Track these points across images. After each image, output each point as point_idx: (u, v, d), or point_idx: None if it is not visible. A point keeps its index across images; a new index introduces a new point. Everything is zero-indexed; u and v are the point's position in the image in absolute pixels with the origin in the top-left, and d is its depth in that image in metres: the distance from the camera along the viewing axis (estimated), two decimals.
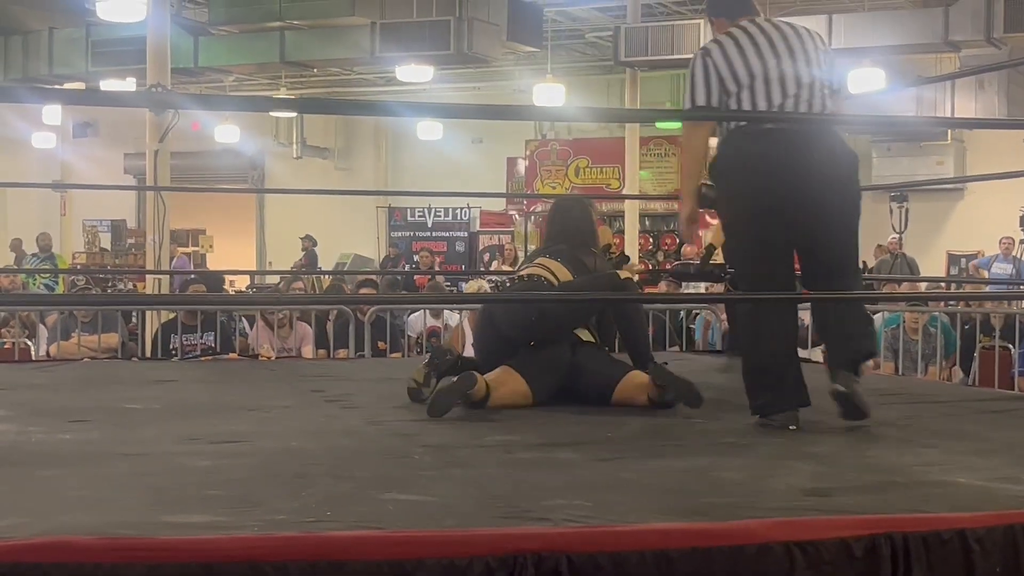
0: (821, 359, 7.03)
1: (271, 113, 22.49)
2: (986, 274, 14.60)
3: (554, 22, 18.07)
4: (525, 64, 19.83)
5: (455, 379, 4.28)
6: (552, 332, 4.60)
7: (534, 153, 20.31)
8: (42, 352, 9.04)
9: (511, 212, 20.49)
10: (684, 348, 8.88)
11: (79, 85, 17.04)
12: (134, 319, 9.97)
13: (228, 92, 20.95)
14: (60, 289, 14.92)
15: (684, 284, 11.83)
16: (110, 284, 14.82)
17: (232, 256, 22.88)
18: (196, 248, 22.90)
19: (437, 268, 18.94)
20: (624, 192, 17.88)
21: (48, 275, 15.39)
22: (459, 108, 6.58)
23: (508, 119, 19.13)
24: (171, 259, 12.56)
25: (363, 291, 10.29)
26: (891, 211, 15.23)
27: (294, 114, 22.69)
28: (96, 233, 21.98)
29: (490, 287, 11.36)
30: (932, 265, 17.89)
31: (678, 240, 18.75)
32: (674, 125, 17.93)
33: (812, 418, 4.05)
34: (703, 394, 4.32)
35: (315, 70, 19.13)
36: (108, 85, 16.53)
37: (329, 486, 2.91)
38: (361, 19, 15.12)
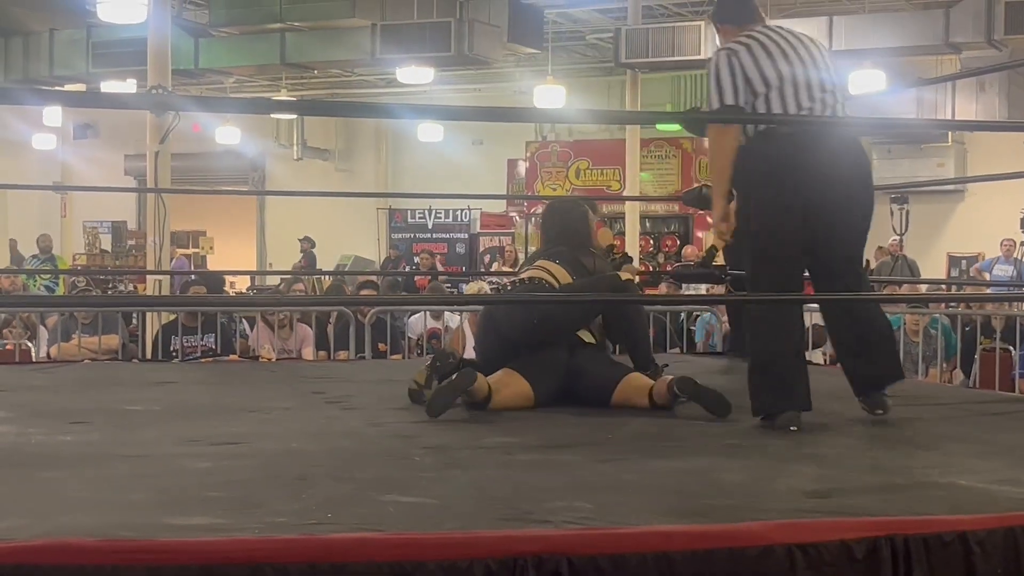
0: (821, 361, 7.06)
1: (272, 115, 22.50)
2: (988, 277, 14.59)
3: (555, 24, 18.07)
4: (526, 66, 19.83)
5: (454, 377, 4.27)
6: (553, 334, 4.60)
7: (535, 155, 20.30)
8: (42, 353, 9.04)
9: (511, 214, 20.48)
10: (685, 350, 8.87)
11: (80, 87, 17.05)
12: (134, 320, 9.96)
13: (229, 94, 20.97)
14: (61, 290, 14.91)
15: (684, 285, 11.84)
16: (110, 285, 14.81)
17: (233, 257, 22.89)
18: (197, 250, 22.93)
19: (439, 269, 18.94)
20: (625, 194, 17.86)
21: (48, 276, 15.39)
22: (460, 110, 6.58)
23: (509, 121, 19.13)
24: (171, 260, 12.56)
25: (363, 293, 10.29)
26: (892, 213, 15.22)
27: (295, 116, 22.71)
28: (96, 234, 21.99)
29: (490, 289, 11.36)
30: (933, 267, 17.89)
31: (678, 241, 18.75)
32: (674, 127, 17.93)
33: (813, 420, 4.05)
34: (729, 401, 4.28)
35: (316, 72, 19.14)
36: (109, 87, 16.55)
37: (330, 488, 2.91)
38: (362, 21, 15.13)
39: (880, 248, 16.04)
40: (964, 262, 18.74)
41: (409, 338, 9.58)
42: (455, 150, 21.44)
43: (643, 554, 2.33)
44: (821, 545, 2.40)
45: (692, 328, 9.98)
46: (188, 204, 20.47)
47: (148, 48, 11.02)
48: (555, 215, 5.15)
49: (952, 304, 9.48)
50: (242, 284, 17.94)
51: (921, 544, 2.46)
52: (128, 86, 16.34)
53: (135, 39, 13.39)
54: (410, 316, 9.64)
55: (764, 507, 2.67)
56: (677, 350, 8.74)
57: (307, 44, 16.15)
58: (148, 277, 11.96)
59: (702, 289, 11.14)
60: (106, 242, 22.11)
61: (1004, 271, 14.81)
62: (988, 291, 10.85)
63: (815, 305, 7.09)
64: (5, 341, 9.10)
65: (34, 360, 8.52)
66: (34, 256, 16.82)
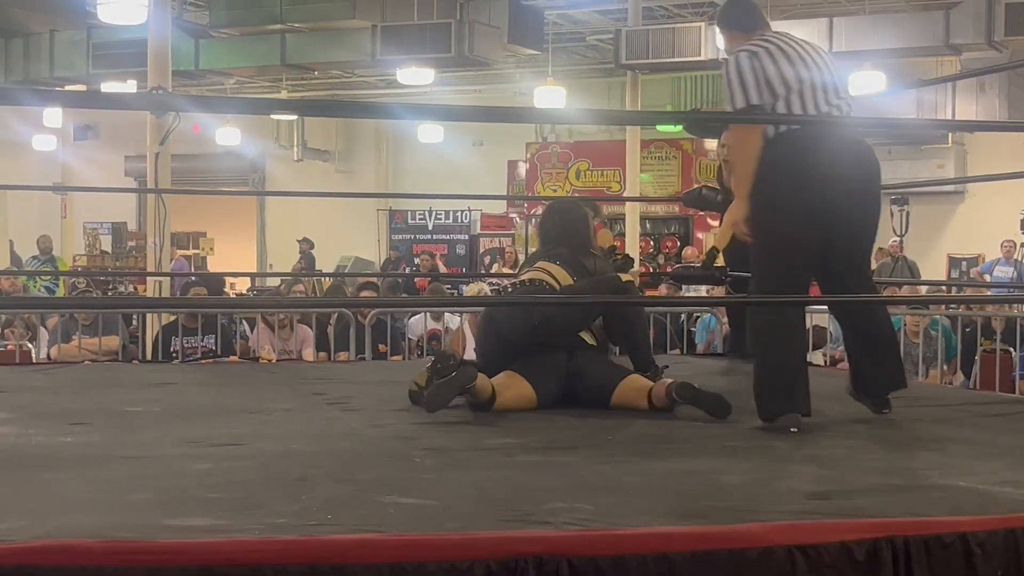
0: (822, 362, 7.06)
1: (272, 116, 22.51)
2: (989, 280, 14.59)
3: (555, 25, 18.08)
4: (526, 67, 19.84)
5: (453, 374, 4.26)
6: (554, 336, 4.60)
7: (535, 156, 20.31)
8: (43, 355, 9.04)
9: (512, 215, 20.49)
10: (685, 351, 8.87)
11: (80, 87, 17.05)
12: (135, 322, 9.97)
13: (229, 95, 20.97)
14: (61, 292, 14.91)
15: (684, 287, 11.84)
16: (111, 287, 14.81)
17: (233, 258, 22.89)
18: (197, 251, 22.93)
19: (442, 269, 18.95)
20: (625, 195, 17.87)
21: (49, 277, 15.39)
22: (460, 111, 6.58)
23: (509, 122, 19.12)
24: (171, 261, 12.56)
25: (364, 294, 10.29)
26: (892, 214, 15.22)
27: (295, 117, 22.73)
28: (97, 235, 22.00)
29: (491, 290, 11.36)
30: (933, 268, 17.90)
31: (679, 242, 18.75)
32: (675, 128, 17.92)
33: (813, 421, 4.05)
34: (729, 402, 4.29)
35: (316, 73, 19.14)
36: (109, 87, 16.55)
37: (330, 489, 2.91)
38: (362, 22, 15.13)
39: (880, 249, 16.03)
40: (964, 263, 18.74)
41: (409, 339, 9.58)
42: (455, 151, 21.44)
43: (643, 555, 2.33)
44: (821, 547, 2.40)
45: (692, 329, 9.98)
46: (188, 205, 20.46)
47: (148, 49, 11.03)
48: (555, 216, 5.15)
49: (952, 305, 9.48)
50: (242, 285, 17.94)
51: (922, 545, 2.46)
52: (128, 87, 16.35)
53: (135, 40, 13.40)
54: (410, 317, 9.64)
55: (764, 508, 2.67)
56: (677, 351, 8.74)
57: (307, 45, 16.15)
58: (148, 278, 11.96)
59: (702, 290, 11.14)
60: (106, 243, 22.13)
61: (1004, 272, 14.81)
62: (988, 292, 10.85)
63: (814, 307, 7.10)
64: (6, 342, 9.10)
65: (34, 361, 8.52)
66: (34, 257, 16.82)
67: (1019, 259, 14.66)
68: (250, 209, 25.01)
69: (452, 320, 9.56)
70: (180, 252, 21.25)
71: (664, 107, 20.00)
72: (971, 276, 16.99)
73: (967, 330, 9.12)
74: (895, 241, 15.50)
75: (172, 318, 8.62)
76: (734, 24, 4.45)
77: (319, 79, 21.02)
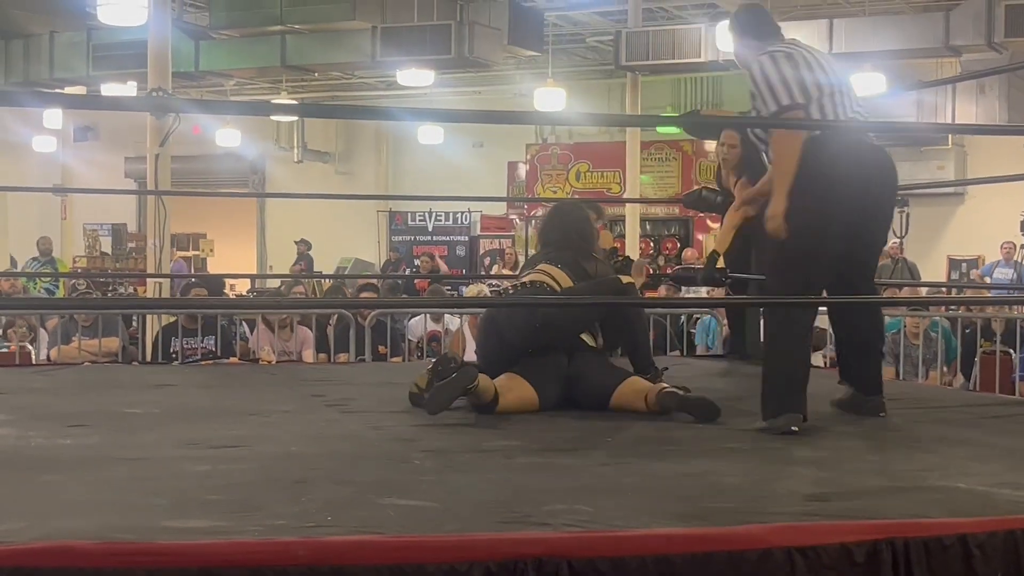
0: (821, 364, 7.05)
1: (272, 117, 22.51)
2: (989, 281, 14.59)
3: (555, 26, 18.08)
4: (526, 68, 19.84)
5: (453, 375, 4.26)
6: (555, 339, 4.60)
7: (535, 157, 20.31)
8: (42, 356, 9.03)
9: (512, 216, 20.48)
10: (685, 353, 8.87)
11: (80, 89, 17.05)
12: (134, 323, 9.96)
13: (229, 96, 20.99)
14: (61, 293, 14.91)
15: (684, 288, 11.84)
16: (111, 288, 14.81)
17: (233, 260, 22.88)
18: (197, 252, 22.92)
19: (444, 269, 18.97)
20: (625, 196, 17.88)
21: (49, 279, 15.39)
22: (460, 113, 6.58)
23: (509, 123, 19.17)
24: (170, 263, 12.56)
25: (364, 295, 10.29)
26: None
27: (295, 118, 22.72)
28: (97, 237, 22.00)
29: (490, 292, 11.35)
30: (933, 270, 17.89)
31: (678, 244, 18.74)
32: (674, 129, 17.93)
33: (813, 423, 4.04)
34: (716, 403, 4.29)
35: (316, 74, 19.15)
36: (109, 89, 16.55)
37: (329, 491, 2.91)
38: (362, 23, 15.13)
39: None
40: (964, 265, 18.73)
41: (409, 341, 9.57)
42: (455, 152, 21.44)
43: (643, 557, 2.33)
44: (821, 548, 2.40)
45: (692, 331, 9.98)
46: (188, 206, 20.44)
47: (148, 50, 11.03)
48: (557, 218, 5.15)
49: (952, 307, 9.48)
50: (242, 287, 17.94)
51: (921, 547, 2.46)
52: (128, 88, 16.34)
53: (135, 41, 13.40)
54: (410, 319, 9.64)
55: (764, 510, 2.67)
56: (677, 353, 8.74)
57: (307, 46, 16.16)
58: (148, 279, 11.96)
59: (703, 292, 11.14)
60: (106, 244, 22.12)
61: (1004, 274, 14.81)
62: (988, 294, 10.85)
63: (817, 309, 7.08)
64: (9, 343, 9.09)
65: (34, 362, 8.52)
66: (34, 259, 16.82)
67: (1019, 261, 14.65)
68: (250, 210, 25.01)
69: (452, 322, 9.56)
70: (180, 253, 21.25)
71: (664, 109, 20.00)
72: (971, 278, 16.98)
73: (967, 332, 9.12)
74: (895, 243, 15.48)
75: (172, 319, 8.62)
76: (750, 31, 4.45)
77: (319, 80, 21.02)
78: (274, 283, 16.67)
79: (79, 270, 19.46)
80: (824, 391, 4.39)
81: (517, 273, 6.00)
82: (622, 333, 5.01)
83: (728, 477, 3.18)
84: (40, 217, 22.11)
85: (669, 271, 14.75)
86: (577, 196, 17.76)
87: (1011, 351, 8.43)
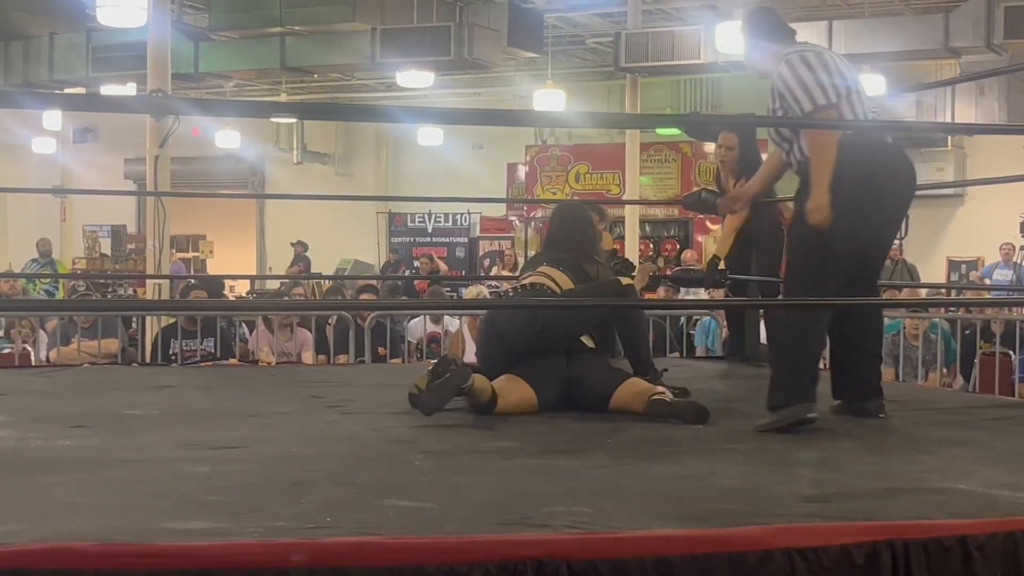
0: (820, 365, 7.03)
1: (271, 118, 22.49)
2: (988, 283, 14.59)
3: (555, 28, 18.07)
4: (526, 70, 19.83)
5: (447, 375, 4.27)
6: (556, 341, 4.60)
7: (534, 159, 20.31)
8: (42, 357, 9.03)
9: (511, 218, 20.48)
10: (684, 354, 8.87)
11: (80, 90, 17.04)
12: (134, 324, 9.96)
13: (228, 97, 20.97)
14: (60, 294, 14.91)
15: (683, 290, 11.84)
16: (110, 289, 14.81)
17: (232, 261, 22.88)
18: (196, 253, 22.92)
19: (445, 269, 18.97)
20: (624, 198, 17.88)
21: (48, 280, 15.39)
22: (459, 114, 6.59)
23: (509, 125, 19.13)
24: (169, 264, 12.55)
25: (363, 297, 10.29)
26: None
27: (294, 119, 22.71)
28: (96, 238, 21.98)
29: (490, 293, 11.35)
30: (932, 271, 17.89)
31: (678, 245, 18.74)
32: (674, 131, 17.92)
33: (812, 424, 4.04)
34: (705, 406, 4.30)
35: (315, 75, 19.14)
36: (108, 90, 16.54)
37: (329, 492, 2.90)
38: (362, 25, 15.13)
39: None
40: (964, 266, 18.74)
41: (409, 342, 9.57)
42: (455, 154, 21.44)
43: (643, 559, 2.33)
44: (821, 550, 2.40)
45: (692, 333, 9.98)
46: (188, 208, 20.44)
47: (148, 52, 11.02)
48: (560, 220, 5.16)
49: (952, 308, 9.48)
50: (241, 288, 17.93)
51: (921, 549, 2.46)
52: (128, 90, 16.34)
53: (135, 43, 13.40)
54: (410, 320, 9.64)
55: (764, 511, 2.67)
56: (677, 354, 8.74)
57: (307, 48, 16.15)
58: (148, 281, 11.95)
59: (702, 294, 11.14)
60: (106, 246, 22.10)
61: (1004, 275, 14.81)
62: (988, 295, 10.84)
63: None
64: (14, 342, 9.08)
65: (33, 364, 8.51)
66: (34, 260, 16.82)
67: (1018, 262, 14.66)
68: (249, 212, 25.00)
69: (452, 323, 9.56)
70: (179, 255, 21.25)
71: (664, 110, 20.00)
72: (970, 279, 16.98)
73: (966, 333, 9.12)
74: (894, 244, 15.47)
75: (171, 321, 8.62)
76: (764, 33, 4.44)
77: (319, 82, 21.02)
78: (274, 284, 16.67)
79: (78, 271, 19.45)
80: (823, 392, 4.39)
81: (517, 274, 6.01)
82: (621, 335, 5.01)
83: (728, 479, 3.18)
84: (39, 218, 22.11)
85: (668, 273, 14.77)
86: (577, 198, 17.75)
87: (1011, 352, 8.43)
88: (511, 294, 5.26)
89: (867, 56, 14.54)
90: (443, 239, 21.24)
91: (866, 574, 2.41)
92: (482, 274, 19.04)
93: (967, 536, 2.49)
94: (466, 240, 21.19)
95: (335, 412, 4.59)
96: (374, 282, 12.54)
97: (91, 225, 22.47)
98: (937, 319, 8.86)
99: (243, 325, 9.38)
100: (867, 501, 2.85)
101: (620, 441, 3.90)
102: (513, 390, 4.45)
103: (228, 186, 24.03)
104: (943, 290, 13.48)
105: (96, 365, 7.70)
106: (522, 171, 20.49)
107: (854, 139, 4.10)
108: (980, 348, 8.58)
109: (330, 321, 8.82)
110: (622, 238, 16.51)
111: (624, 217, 17.37)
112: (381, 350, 8.71)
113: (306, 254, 19.79)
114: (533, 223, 19.18)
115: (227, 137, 21.97)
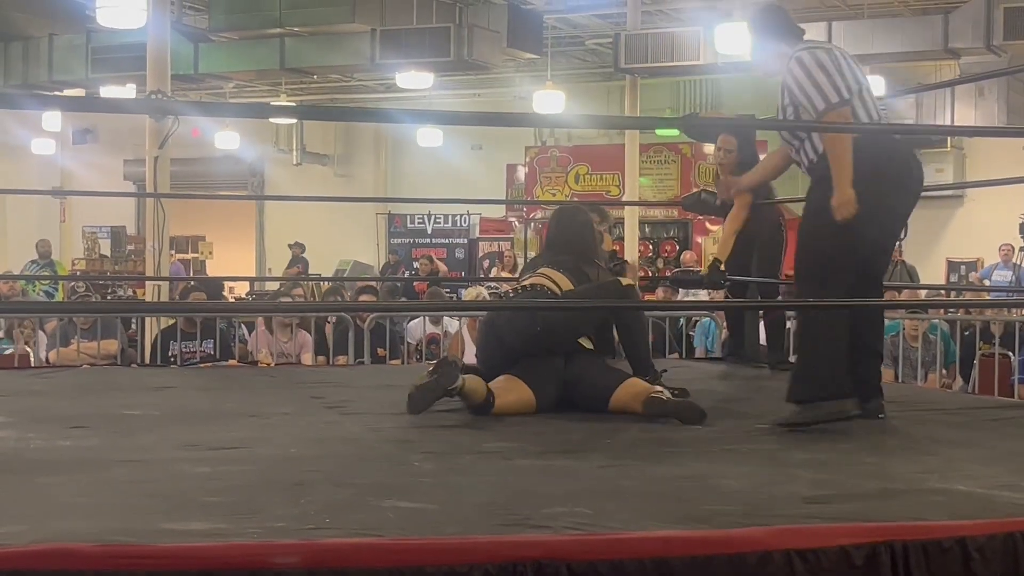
0: None
1: (271, 120, 22.51)
2: (988, 284, 14.60)
3: (554, 29, 18.08)
4: (525, 71, 19.84)
5: (435, 376, 4.27)
6: (556, 342, 4.61)
7: (534, 160, 20.30)
8: (41, 358, 9.03)
9: (511, 219, 20.48)
10: (684, 355, 8.87)
11: (79, 92, 17.05)
12: (133, 325, 9.96)
13: (228, 99, 20.99)
14: (60, 296, 14.90)
15: (682, 291, 11.84)
16: (109, 290, 14.81)
17: (232, 263, 22.88)
18: (196, 255, 22.92)
19: (445, 270, 18.97)
20: (624, 199, 17.88)
21: (48, 281, 15.38)
22: (459, 115, 6.60)
23: (508, 126, 19.15)
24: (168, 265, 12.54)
25: (363, 298, 10.29)
26: None
27: (294, 121, 22.73)
28: (96, 240, 21.97)
29: (489, 294, 11.35)
30: (932, 272, 17.90)
31: (677, 246, 18.74)
32: (673, 132, 17.92)
33: (811, 425, 4.04)
34: (702, 406, 4.31)
35: (315, 77, 19.15)
36: (108, 92, 16.55)
37: (329, 493, 2.90)
38: (361, 26, 15.14)
39: None
40: (963, 267, 18.75)
41: (408, 343, 9.58)
42: (454, 155, 21.44)
43: (642, 560, 2.33)
44: (820, 551, 2.40)
45: (691, 333, 9.98)
46: (187, 209, 20.45)
47: (147, 53, 11.02)
48: (561, 221, 5.16)
49: (951, 309, 9.48)
50: (241, 289, 17.94)
51: (920, 550, 2.45)
52: (127, 91, 16.34)
53: (134, 44, 13.41)
54: (409, 321, 9.64)
55: (763, 513, 2.67)
56: (676, 355, 8.74)
57: (306, 49, 16.16)
58: (147, 282, 11.95)
59: (702, 295, 11.14)
60: (105, 247, 22.09)
61: (1003, 276, 14.81)
62: (987, 296, 10.84)
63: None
64: (16, 344, 9.07)
65: (33, 365, 8.51)
66: (33, 261, 16.82)
67: (1018, 263, 14.66)
68: (249, 213, 25.02)
69: (451, 324, 9.56)
70: (179, 256, 21.24)
71: (663, 111, 20.01)
72: (970, 280, 16.99)
73: (966, 334, 9.12)
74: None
75: (171, 322, 8.62)
76: (774, 32, 4.43)
77: (318, 83, 21.02)
78: (273, 286, 16.67)
79: (78, 273, 19.44)
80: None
81: (518, 276, 6.01)
82: (621, 336, 5.01)
83: (727, 479, 3.18)
84: (39, 220, 22.11)
85: (668, 274, 14.78)
86: (576, 199, 17.76)
87: (1010, 353, 8.43)
88: (511, 295, 5.26)
89: (866, 57, 14.52)
90: (442, 240, 21.25)
91: (866, 575, 2.41)
92: (481, 275, 19.03)
93: (966, 537, 2.49)
94: (465, 241, 21.19)
95: (335, 413, 4.59)
96: (373, 283, 12.55)
97: (90, 226, 22.46)
98: (936, 320, 8.86)
99: (242, 326, 9.38)
100: (866, 502, 2.85)
101: (620, 442, 3.90)
102: (511, 390, 4.45)
103: (227, 187, 24.03)
104: (942, 291, 13.48)
105: (95, 366, 7.71)
106: (521, 172, 20.49)
107: (868, 137, 4.10)
108: (979, 349, 8.58)
109: (330, 319, 8.82)
110: (622, 239, 16.50)
111: (624, 218, 17.38)
112: (380, 351, 8.71)
113: (303, 255, 19.80)
114: (532, 224, 19.18)
115: (227, 138, 21.98)
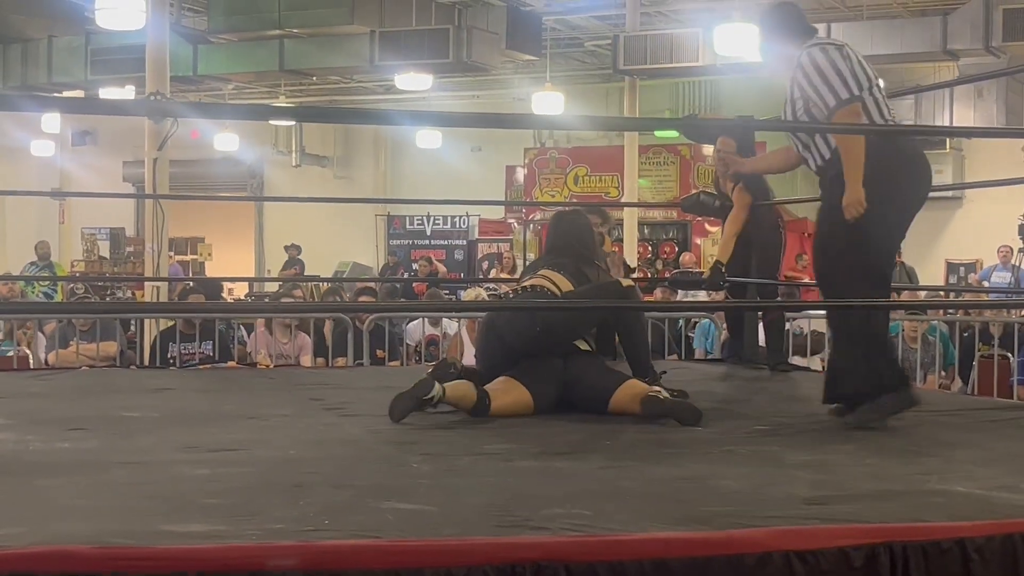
0: (820, 367, 7.06)
1: (270, 121, 22.52)
2: (987, 285, 14.61)
3: (553, 31, 18.09)
4: (524, 72, 19.85)
5: (413, 385, 4.28)
6: (555, 343, 4.61)
7: (533, 161, 20.31)
8: (40, 360, 9.02)
9: (510, 220, 20.48)
10: (683, 356, 8.87)
11: (78, 93, 17.05)
12: (132, 327, 9.96)
13: (227, 100, 20.98)
14: (59, 297, 14.90)
15: (682, 292, 11.84)
16: (109, 292, 14.80)
17: (231, 264, 22.89)
18: (195, 256, 22.91)
19: (444, 271, 18.97)
20: (623, 200, 17.89)
21: (47, 283, 15.38)
22: (458, 117, 6.60)
23: (507, 128, 19.13)
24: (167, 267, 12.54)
25: (362, 299, 10.29)
26: None
27: (293, 122, 22.74)
28: (95, 241, 21.96)
29: (488, 296, 11.35)
30: (931, 273, 17.91)
31: (676, 248, 18.74)
32: (673, 133, 17.92)
33: (811, 426, 4.05)
34: (700, 407, 4.31)
35: (314, 78, 19.16)
36: (107, 93, 16.54)
37: (327, 495, 2.90)
38: (360, 27, 15.14)
39: None
40: (962, 268, 18.76)
41: (407, 345, 9.58)
42: (453, 157, 21.45)
43: (641, 561, 2.33)
44: (819, 552, 2.40)
45: (691, 335, 9.98)
46: (187, 211, 20.44)
47: (146, 55, 11.03)
48: (561, 224, 5.17)
49: (950, 311, 9.49)
50: (240, 291, 17.94)
51: (919, 551, 2.46)
52: (127, 92, 16.34)
53: (134, 46, 13.41)
54: (408, 323, 9.64)
55: (762, 514, 2.67)
56: (675, 357, 8.74)
57: (306, 51, 16.16)
58: (146, 284, 11.95)
59: (701, 296, 11.14)
60: (104, 249, 22.08)
61: (1002, 278, 14.82)
62: (986, 298, 10.84)
63: (813, 312, 7.10)
64: (19, 346, 9.07)
65: (32, 367, 8.51)
66: (32, 263, 16.80)
67: (1017, 264, 14.67)
68: (248, 215, 25.02)
69: (450, 325, 9.56)
70: (178, 257, 21.24)
71: (662, 112, 20.02)
72: (969, 282, 17.00)
73: (965, 335, 9.12)
74: None
75: (170, 323, 8.62)
76: (784, 30, 4.40)
77: (317, 84, 21.03)
78: (272, 287, 16.68)
79: (77, 274, 19.43)
80: (819, 395, 4.39)
81: (518, 278, 6.01)
82: (621, 337, 5.01)
83: (726, 481, 3.18)
84: (38, 221, 22.10)
85: (667, 276, 14.78)
86: (575, 200, 17.77)
87: (1009, 355, 8.43)
88: (511, 296, 5.27)
89: (866, 58, 14.53)
90: (442, 241, 21.25)
91: None
92: (481, 276, 19.03)
93: (965, 538, 2.49)
94: (465, 243, 21.19)
95: (334, 415, 4.59)
96: (373, 285, 12.55)
97: (90, 228, 22.45)
98: (936, 321, 8.86)
99: (241, 328, 9.37)
100: (866, 503, 2.85)
101: (619, 443, 3.90)
102: (508, 392, 4.45)
103: (227, 189, 24.04)
104: (941, 292, 13.48)
105: (94, 368, 7.71)
106: (521, 173, 20.50)
107: (879, 135, 4.10)
108: (978, 350, 8.58)
109: (329, 317, 8.82)
110: (621, 240, 16.50)
111: (623, 220, 17.38)
112: (380, 352, 8.71)
113: (300, 257, 19.80)
114: (532, 226, 19.18)
115: (226, 140, 21.98)
